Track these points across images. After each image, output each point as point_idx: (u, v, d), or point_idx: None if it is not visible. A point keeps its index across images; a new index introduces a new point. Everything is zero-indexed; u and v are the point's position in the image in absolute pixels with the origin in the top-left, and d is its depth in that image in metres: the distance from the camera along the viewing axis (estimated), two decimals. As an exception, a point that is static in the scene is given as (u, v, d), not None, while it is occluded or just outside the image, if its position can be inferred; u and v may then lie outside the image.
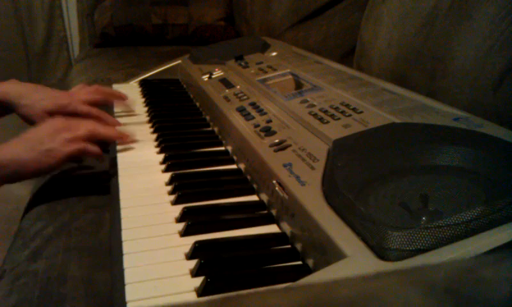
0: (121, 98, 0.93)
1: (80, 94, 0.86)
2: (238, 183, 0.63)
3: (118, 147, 0.73)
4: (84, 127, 0.69)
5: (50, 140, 0.65)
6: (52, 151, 0.65)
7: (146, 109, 0.95)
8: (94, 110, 0.81)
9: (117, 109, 0.93)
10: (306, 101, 0.67)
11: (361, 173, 0.46)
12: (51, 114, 0.79)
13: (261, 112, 0.69)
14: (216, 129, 0.82)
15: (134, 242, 0.50)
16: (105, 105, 0.91)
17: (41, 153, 0.64)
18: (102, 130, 0.70)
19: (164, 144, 0.75)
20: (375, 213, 0.40)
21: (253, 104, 0.73)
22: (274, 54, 1.01)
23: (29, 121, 0.81)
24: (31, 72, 2.67)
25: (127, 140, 0.74)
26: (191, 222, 0.52)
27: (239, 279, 0.44)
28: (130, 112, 0.92)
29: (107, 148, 0.74)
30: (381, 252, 0.38)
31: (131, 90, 1.09)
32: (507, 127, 0.50)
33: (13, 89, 0.81)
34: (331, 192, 0.46)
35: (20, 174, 0.65)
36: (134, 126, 0.86)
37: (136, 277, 0.44)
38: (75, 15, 2.50)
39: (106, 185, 0.67)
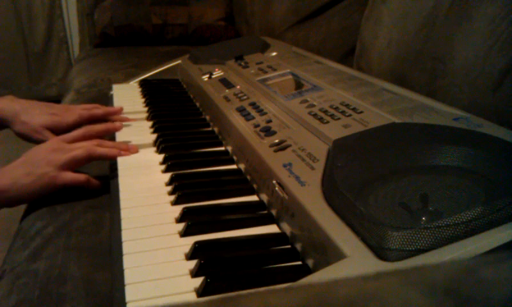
0: (120, 111, 0.92)
1: (76, 108, 0.86)
2: (238, 183, 0.63)
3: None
4: (82, 148, 0.68)
5: (47, 163, 0.65)
6: (48, 175, 0.65)
7: (146, 109, 0.95)
8: (89, 125, 0.81)
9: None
10: (306, 101, 0.67)
11: (361, 173, 0.46)
12: (48, 129, 0.79)
13: (261, 112, 0.69)
14: (216, 129, 0.82)
15: (134, 242, 0.50)
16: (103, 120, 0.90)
17: (38, 177, 0.64)
18: (99, 149, 0.70)
19: (164, 145, 0.75)
20: (375, 213, 0.40)
21: (253, 104, 0.73)
22: (274, 54, 1.01)
23: (26, 138, 0.80)
24: (31, 72, 2.67)
25: (126, 154, 0.73)
26: (191, 222, 0.52)
27: (239, 279, 0.44)
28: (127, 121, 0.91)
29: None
30: (381, 253, 0.38)
31: (131, 90, 1.09)
32: (507, 127, 0.50)
33: (8, 106, 0.81)
34: (331, 192, 0.46)
35: (20, 198, 0.65)
36: (134, 126, 0.86)
37: (135, 277, 0.44)
38: (75, 15, 2.50)
39: (106, 187, 0.67)
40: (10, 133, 0.83)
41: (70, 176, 0.66)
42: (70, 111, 0.84)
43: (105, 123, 0.84)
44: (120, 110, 0.90)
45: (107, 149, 0.71)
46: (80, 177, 0.67)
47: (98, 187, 0.69)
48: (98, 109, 0.87)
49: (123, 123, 0.86)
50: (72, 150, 0.68)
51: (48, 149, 0.68)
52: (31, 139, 0.80)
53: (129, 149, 0.73)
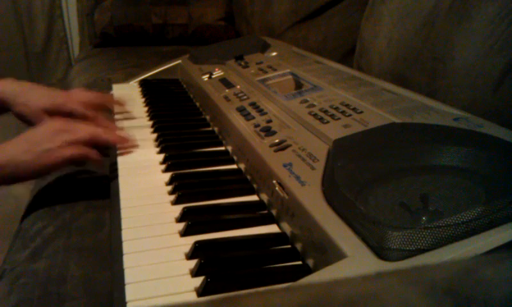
0: (120, 104, 0.92)
1: (78, 95, 0.85)
2: (238, 183, 0.63)
3: (119, 152, 0.72)
4: (85, 130, 0.67)
5: (49, 141, 0.64)
6: (49, 153, 0.63)
7: (146, 109, 0.95)
8: (90, 112, 0.80)
9: (116, 110, 0.93)
10: (306, 101, 0.67)
11: (361, 173, 0.46)
12: (48, 113, 0.78)
13: (261, 112, 0.69)
14: (216, 129, 0.82)
15: (134, 241, 0.50)
16: (104, 110, 0.90)
17: (38, 155, 0.63)
18: (103, 134, 0.69)
19: (164, 144, 0.75)
20: (375, 213, 0.40)
21: (253, 104, 0.73)
22: (274, 54, 1.01)
23: (26, 120, 0.79)
24: (31, 72, 2.67)
25: (128, 145, 0.72)
26: (191, 222, 0.52)
27: (239, 279, 0.44)
28: (129, 115, 0.92)
29: (107, 152, 0.73)
30: (381, 252, 0.38)
31: (131, 90, 1.09)
32: (507, 127, 0.50)
33: (9, 88, 0.80)
34: (331, 192, 0.46)
35: (18, 176, 0.64)
36: (134, 126, 0.86)
37: (136, 277, 0.44)
38: (75, 15, 2.51)
39: (106, 187, 0.67)
40: (10, 123, 0.82)
41: (69, 151, 0.64)
42: (72, 97, 0.84)
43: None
44: (119, 102, 0.90)
45: (111, 135, 0.70)
46: (80, 150, 0.65)
47: (99, 162, 0.68)
48: (99, 97, 0.86)
49: (123, 124, 0.86)
50: (77, 132, 0.66)
51: (50, 127, 0.66)
52: (30, 122, 0.78)
53: (129, 141, 0.73)
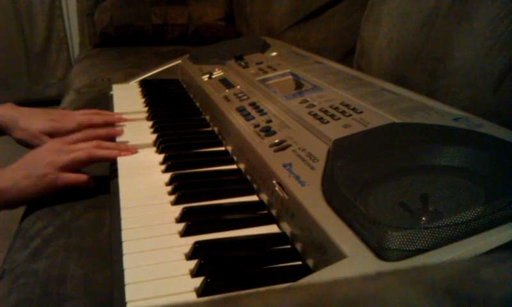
0: (119, 120, 0.91)
1: (76, 114, 0.86)
2: (238, 183, 0.63)
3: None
4: (82, 150, 0.68)
5: (46, 165, 0.65)
6: (48, 176, 0.65)
7: (146, 109, 0.95)
8: (88, 130, 0.80)
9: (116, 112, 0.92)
10: (306, 101, 0.67)
11: (361, 173, 0.46)
12: (48, 134, 0.79)
13: (261, 112, 0.69)
14: (216, 129, 0.82)
15: (134, 242, 0.50)
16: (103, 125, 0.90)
17: (38, 179, 0.64)
18: (100, 152, 0.70)
19: (164, 144, 0.75)
20: (375, 213, 0.40)
21: (253, 104, 0.73)
22: (274, 54, 1.01)
23: (26, 144, 0.80)
24: (31, 72, 2.67)
25: (127, 154, 0.72)
26: (191, 222, 0.52)
27: (239, 279, 0.44)
28: (128, 117, 0.91)
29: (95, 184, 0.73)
30: (381, 252, 0.38)
31: (131, 90, 1.09)
32: (507, 127, 0.50)
33: (8, 114, 0.82)
34: (331, 192, 0.46)
35: (20, 200, 0.65)
36: (134, 126, 0.86)
37: (135, 277, 0.44)
38: (75, 15, 2.50)
39: (106, 187, 0.67)
40: (11, 139, 0.83)
41: (70, 176, 0.66)
42: (69, 117, 0.84)
43: (106, 127, 0.84)
44: (120, 120, 0.89)
45: (107, 151, 0.71)
46: (81, 177, 0.67)
47: (92, 184, 0.69)
48: (98, 117, 0.86)
49: (123, 125, 0.86)
50: (73, 152, 0.68)
51: (48, 150, 0.68)
52: (30, 145, 0.79)
53: (128, 149, 0.73)
